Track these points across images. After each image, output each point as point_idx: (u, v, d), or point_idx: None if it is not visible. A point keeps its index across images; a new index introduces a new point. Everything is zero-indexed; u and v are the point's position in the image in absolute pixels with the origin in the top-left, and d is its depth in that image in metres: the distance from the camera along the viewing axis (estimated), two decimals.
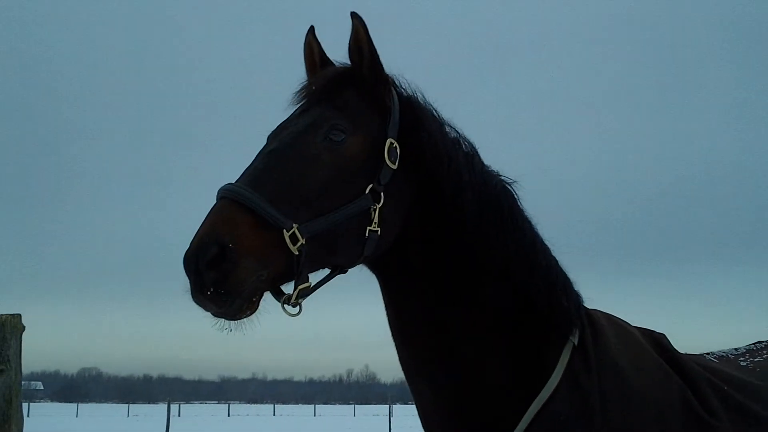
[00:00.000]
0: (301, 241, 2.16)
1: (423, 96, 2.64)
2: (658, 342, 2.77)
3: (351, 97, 2.48)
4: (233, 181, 2.24)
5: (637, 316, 2.92)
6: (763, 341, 3.29)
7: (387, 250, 2.46)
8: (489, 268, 2.50)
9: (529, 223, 2.66)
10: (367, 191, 2.35)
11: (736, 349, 3.22)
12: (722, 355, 3.13)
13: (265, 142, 2.46)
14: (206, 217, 2.15)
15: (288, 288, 2.24)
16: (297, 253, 2.15)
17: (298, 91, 2.57)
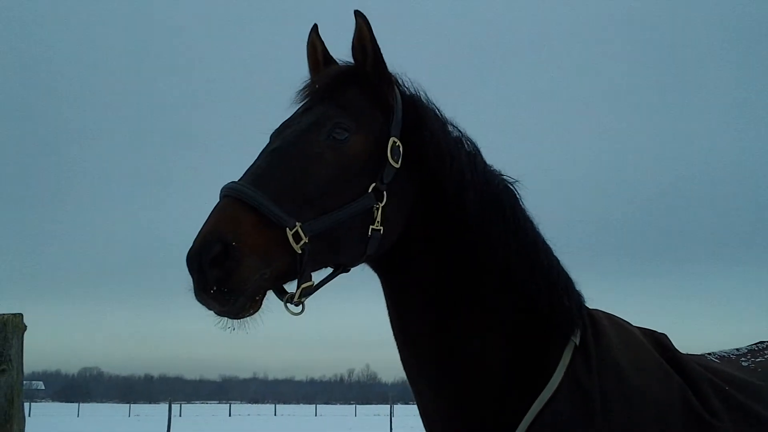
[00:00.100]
0: (304, 239, 2.16)
1: (426, 95, 2.65)
2: (659, 342, 2.77)
3: (354, 95, 2.48)
4: (236, 180, 2.24)
5: (638, 316, 2.92)
6: (764, 341, 3.28)
7: (389, 248, 2.47)
8: (491, 268, 2.50)
9: (531, 222, 2.66)
10: (370, 190, 2.36)
11: (737, 350, 3.21)
12: (724, 356, 3.12)
13: (267, 141, 2.46)
14: (209, 216, 2.15)
15: (291, 287, 2.24)
16: (300, 251, 2.16)
17: (301, 90, 2.57)
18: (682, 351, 2.81)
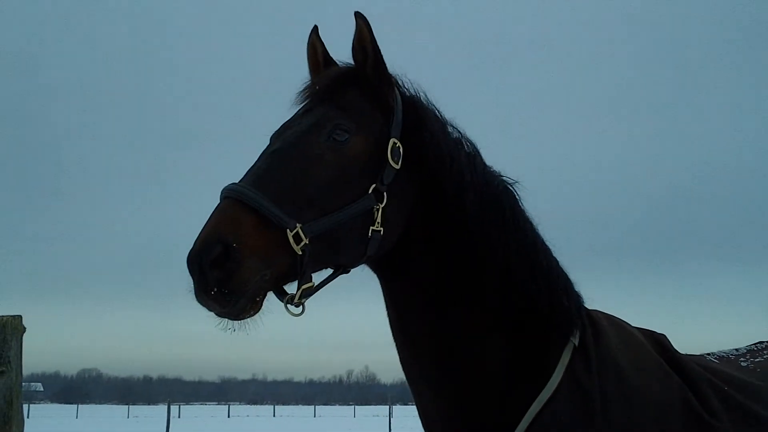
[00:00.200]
0: (305, 240, 2.16)
1: (425, 96, 2.65)
2: (658, 342, 2.77)
3: (354, 96, 2.49)
4: (237, 181, 2.25)
5: (637, 316, 2.93)
6: (764, 341, 3.28)
7: (389, 249, 2.47)
8: (490, 268, 2.50)
9: (531, 223, 2.66)
10: (370, 191, 2.36)
11: (736, 350, 3.21)
12: (723, 356, 3.12)
13: (267, 142, 2.46)
14: (210, 217, 2.15)
15: (291, 288, 2.24)
16: (300, 252, 2.16)
17: (301, 91, 2.57)
18: (682, 351, 2.81)
